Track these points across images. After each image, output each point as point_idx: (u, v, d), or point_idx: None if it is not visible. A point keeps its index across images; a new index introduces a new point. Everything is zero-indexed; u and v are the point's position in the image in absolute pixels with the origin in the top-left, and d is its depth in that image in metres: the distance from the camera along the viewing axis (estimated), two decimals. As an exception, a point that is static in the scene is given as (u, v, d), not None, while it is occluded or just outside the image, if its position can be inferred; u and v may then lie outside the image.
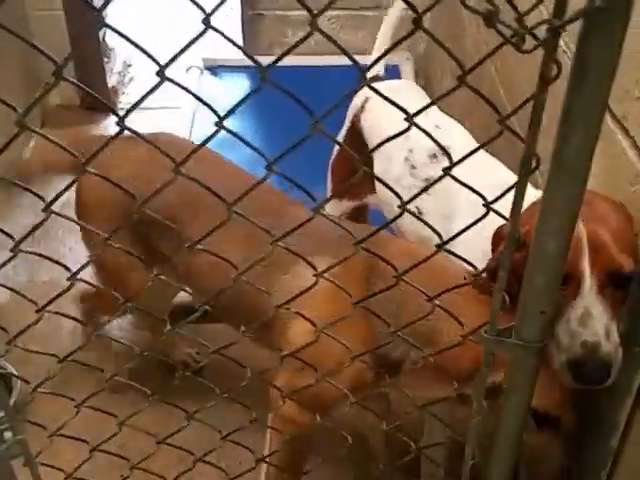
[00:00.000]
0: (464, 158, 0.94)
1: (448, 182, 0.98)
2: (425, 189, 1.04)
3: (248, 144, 0.93)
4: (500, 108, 0.88)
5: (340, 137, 2.30)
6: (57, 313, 1.12)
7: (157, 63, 0.82)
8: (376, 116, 2.15)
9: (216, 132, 0.89)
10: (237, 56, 3.74)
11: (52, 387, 1.22)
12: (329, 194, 2.35)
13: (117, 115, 0.85)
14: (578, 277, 1.25)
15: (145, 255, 1.57)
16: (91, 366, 1.26)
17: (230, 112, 0.89)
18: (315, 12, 0.79)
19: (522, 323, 1.11)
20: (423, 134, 0.90)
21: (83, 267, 1.02)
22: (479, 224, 1.02)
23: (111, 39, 3.72)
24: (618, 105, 1.36)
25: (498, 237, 1.43)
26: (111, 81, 3.78)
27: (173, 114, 3.45)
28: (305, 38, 0.81)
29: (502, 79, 2.33)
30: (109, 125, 3.46)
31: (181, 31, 3.41)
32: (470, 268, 1.13)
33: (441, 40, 0.86)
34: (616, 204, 1.34)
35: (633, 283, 1.26)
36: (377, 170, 2.01)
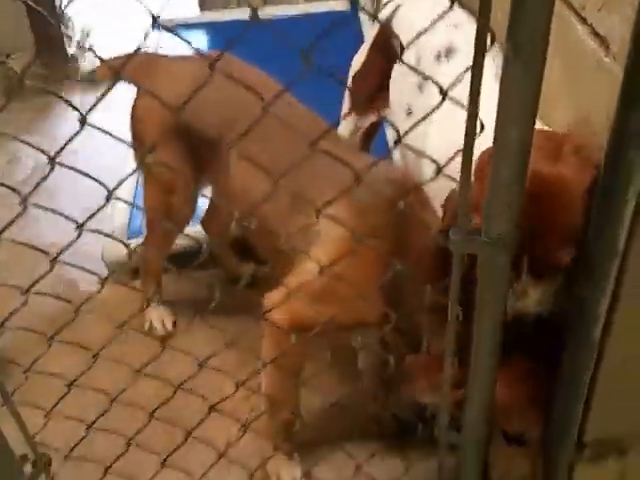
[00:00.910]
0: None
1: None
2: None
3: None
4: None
5: (361, 54, 2.28)
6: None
7: None
8: (409, 20, 2.07)
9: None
10: (193, 14, 3.73)
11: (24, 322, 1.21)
12: (345, 108, 2.36)
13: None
14: (521, 265, 1.36)
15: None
16: (61, 298, 1.24)
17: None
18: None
19: (489, 220, 1.10)
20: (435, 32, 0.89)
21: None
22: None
23: (69, 8, 3.67)
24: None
25: (450, 202, 1.45)
26: (70, 50, 3.75)
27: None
28: None
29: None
30: (70, 93, 3.44)
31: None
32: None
33: None
34: (565, 180, 1.34)
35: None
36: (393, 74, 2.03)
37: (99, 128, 0.96)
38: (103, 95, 0.91)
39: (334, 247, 1.51)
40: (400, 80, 2.02)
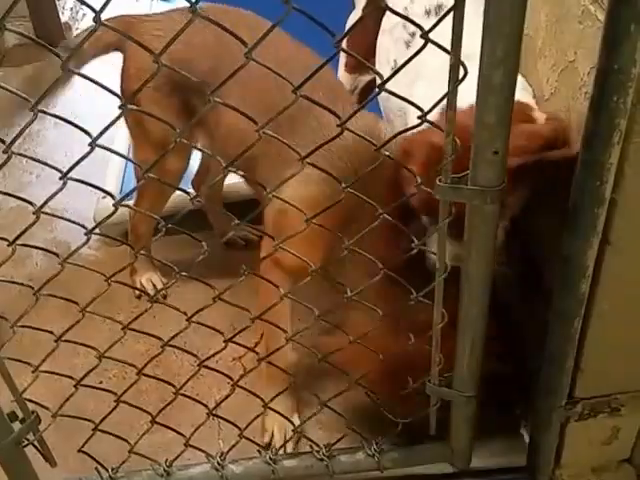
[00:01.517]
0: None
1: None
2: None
3: None
4: None
5: (356, 13, 2.27)
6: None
7: None
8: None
9: None
10: None
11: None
12: (342, 68, 2.33)
13: None
14: None
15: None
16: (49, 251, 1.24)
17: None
18: None
19: (476, 168, 1.09)
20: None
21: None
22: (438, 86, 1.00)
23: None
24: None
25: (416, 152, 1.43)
26: (63, 17, 3.73)
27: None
28: None
29: None
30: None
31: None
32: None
33: None
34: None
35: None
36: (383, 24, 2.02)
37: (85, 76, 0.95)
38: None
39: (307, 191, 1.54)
40: (387, 36, 2.00)
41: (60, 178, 1.02)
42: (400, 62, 1.80)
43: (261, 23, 1.85)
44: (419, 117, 1.04)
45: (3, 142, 0.96)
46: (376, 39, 2.09)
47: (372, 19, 2.13)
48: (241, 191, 2.41)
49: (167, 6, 3.65)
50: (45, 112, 0.94)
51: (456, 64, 0.97)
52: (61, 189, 1.02)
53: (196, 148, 1.97)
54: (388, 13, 1.97)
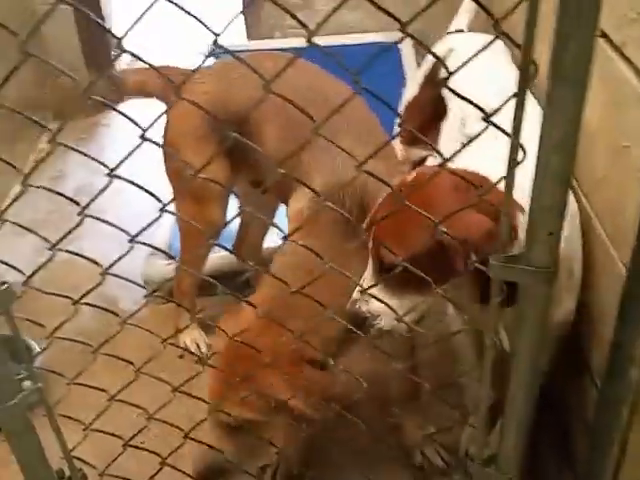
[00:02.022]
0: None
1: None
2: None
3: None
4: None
5: (412, 86, 2.32)
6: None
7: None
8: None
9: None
10: (240, 42, 3.80)
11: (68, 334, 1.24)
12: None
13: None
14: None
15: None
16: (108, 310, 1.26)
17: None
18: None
19: (531, 248, 1.09)
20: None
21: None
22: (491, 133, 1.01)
23: (117, 29, 3.73)
24: (615, 32, 1.34)
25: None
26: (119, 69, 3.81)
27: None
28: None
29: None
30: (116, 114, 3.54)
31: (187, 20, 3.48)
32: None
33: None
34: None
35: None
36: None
37: (157, 143, 0.98)
38: (163, 114, 0.93)
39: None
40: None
41: (129, 240, 1.05)
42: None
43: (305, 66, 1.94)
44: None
45: (77, 203, 0.98)
46: (435, 112, 2.11)
47: (431, 93, 2.17)
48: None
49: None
50: (120, 177, 0.97)
51: (515, 147, 0.99)
52: (128, 252, 1.04)
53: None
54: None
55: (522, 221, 1.25)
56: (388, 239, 1.40)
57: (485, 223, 1.33)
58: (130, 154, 0.94)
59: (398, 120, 2.20)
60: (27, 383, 1.13)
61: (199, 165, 1.12)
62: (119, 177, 0.98)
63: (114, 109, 1.00)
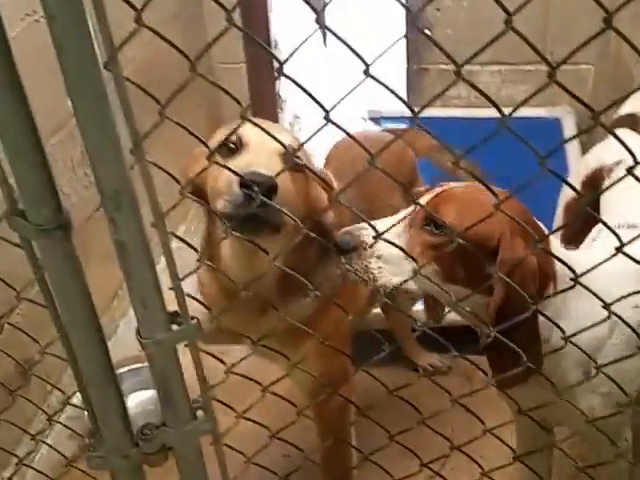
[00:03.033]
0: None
1: None
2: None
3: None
4: None
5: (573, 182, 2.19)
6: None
7: (323, 108, 0.92)
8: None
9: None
10: (400, 108, 3.98)
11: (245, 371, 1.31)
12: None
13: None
14: None
15: None
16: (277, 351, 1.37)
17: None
18: (460, 64, 0.85)
19: None
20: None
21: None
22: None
23: (285, 92, 4.03)
24: None
25: None
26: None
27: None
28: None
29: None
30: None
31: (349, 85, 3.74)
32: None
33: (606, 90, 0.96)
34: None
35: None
36: None
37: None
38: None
39: None
40: None
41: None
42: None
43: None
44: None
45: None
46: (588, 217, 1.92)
47: (588, 199, 2.01)
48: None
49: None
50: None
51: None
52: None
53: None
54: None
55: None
56: (450, 204, 1.40)
57: (533, 264, 1.35)
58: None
59: (558, 219, 2.27)
60: (200, 412, 1.14)
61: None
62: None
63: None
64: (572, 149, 3.55)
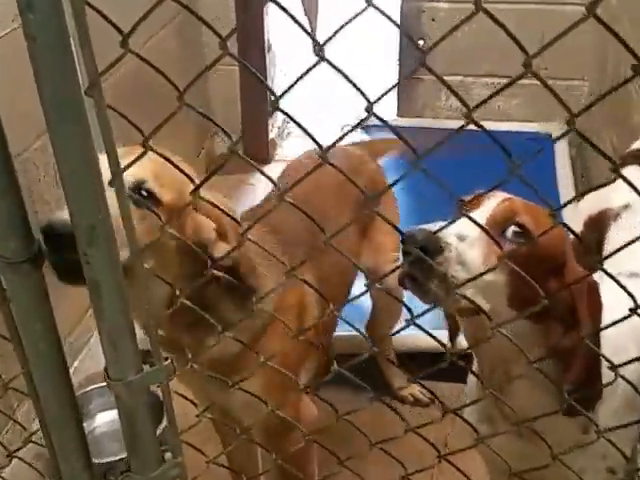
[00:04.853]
0: None
1: None
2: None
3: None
4: None
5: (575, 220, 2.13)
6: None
7: (319, 146, 0.89)
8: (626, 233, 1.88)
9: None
10: (390, 117, 3.95)
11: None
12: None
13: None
14: None
15: None
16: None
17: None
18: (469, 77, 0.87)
19: None
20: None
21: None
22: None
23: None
24: None
25: None
26: (271, 134, 4.03)
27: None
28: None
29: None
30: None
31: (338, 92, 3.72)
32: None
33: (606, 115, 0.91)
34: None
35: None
36: None
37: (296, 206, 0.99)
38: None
39: None
40: None
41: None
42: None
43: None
44: None
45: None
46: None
47: (591, 239, 2.00)
48: (417, 342, 2.44)
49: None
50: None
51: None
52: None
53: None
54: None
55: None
56: (527, 213, 1.27)
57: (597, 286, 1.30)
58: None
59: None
60: (168, 455, 1.07)
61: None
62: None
63: (259, 170, 1.01)
64: (562, 169, 3.54)
